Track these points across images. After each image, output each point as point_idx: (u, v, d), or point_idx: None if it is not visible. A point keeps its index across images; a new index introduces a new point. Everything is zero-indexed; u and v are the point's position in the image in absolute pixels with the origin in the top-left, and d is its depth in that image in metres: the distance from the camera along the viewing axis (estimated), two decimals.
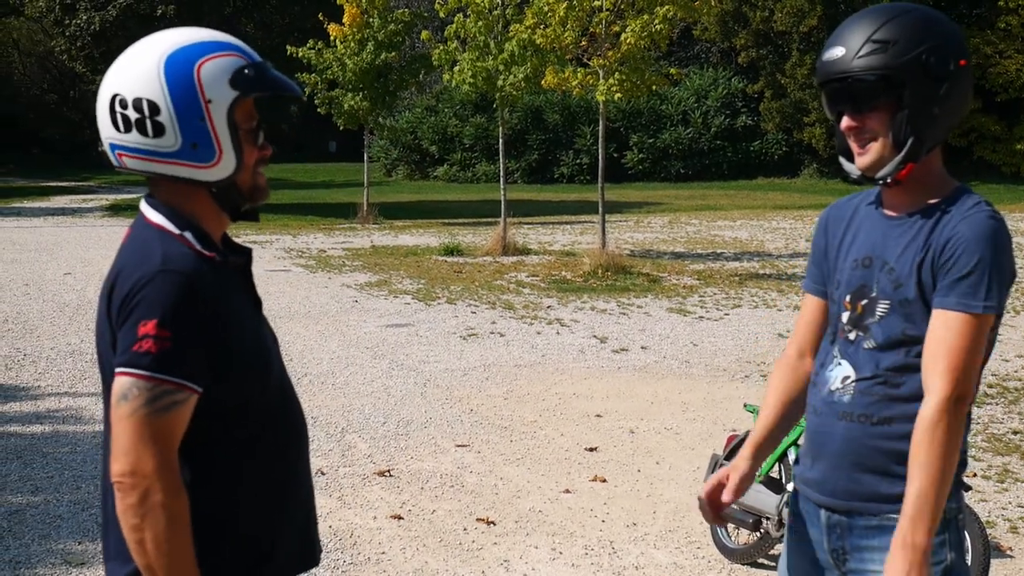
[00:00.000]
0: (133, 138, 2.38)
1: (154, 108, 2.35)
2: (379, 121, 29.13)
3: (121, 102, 2.37)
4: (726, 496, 2.89)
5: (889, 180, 2.67)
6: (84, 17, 32.69)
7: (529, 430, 8.28)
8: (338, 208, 31.01)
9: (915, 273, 2.61)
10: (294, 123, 58.44)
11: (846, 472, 2.70)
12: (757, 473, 5.74)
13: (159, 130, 2.36)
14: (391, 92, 28.13)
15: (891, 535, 2.64)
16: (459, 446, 7.84)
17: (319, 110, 28.22)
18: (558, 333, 12.30)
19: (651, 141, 46.58)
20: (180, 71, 2.36)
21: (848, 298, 2.75)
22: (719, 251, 21.18)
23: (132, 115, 2.36)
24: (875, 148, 2.66)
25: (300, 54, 27.28)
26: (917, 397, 2.62)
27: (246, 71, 2.40)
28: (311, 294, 15.24)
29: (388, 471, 7.23)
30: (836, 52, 2.66)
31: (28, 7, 41.37)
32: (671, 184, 45.15)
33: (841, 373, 2.73)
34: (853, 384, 2.70)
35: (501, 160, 22.46)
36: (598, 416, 8.66)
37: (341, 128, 28.98)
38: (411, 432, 8.19)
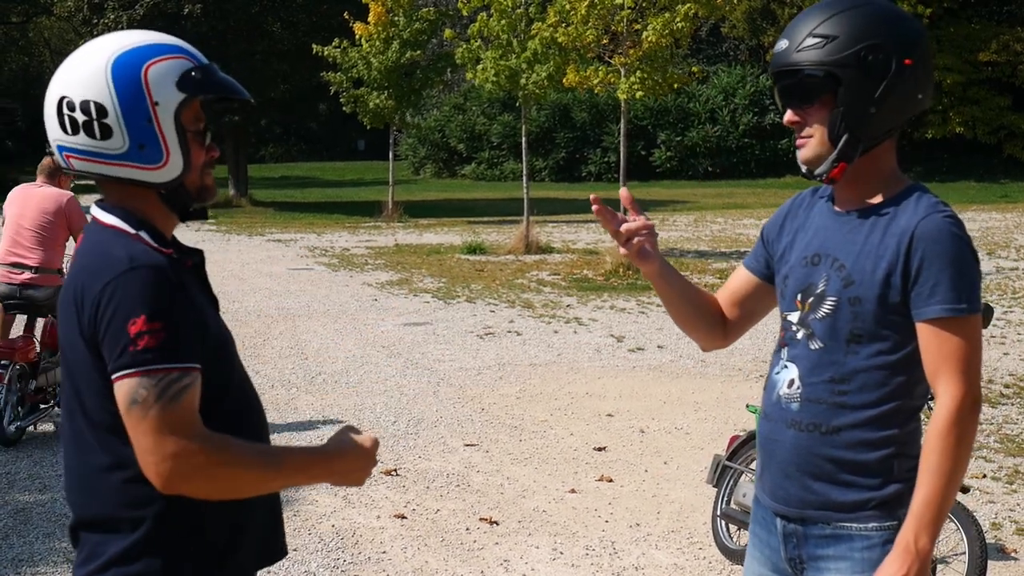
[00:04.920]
0: (81, 140, 2.38)
1: (101, 110, 2.35)
2: (405, 119, 29.22)
3: (68, 104, 2.37)
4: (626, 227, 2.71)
5: (824, 178, 2.63)
6: (112, 16, 32.87)
7: (539, 429, 8.27)
8: (364, 206, 31.09)
9: (876, 274, 2.56)
10: (322, 122, 58.60)
11: (797, 480, 2.67)
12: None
13: (106, 132, 2.36)
14: (416, 90, 28.24)
15: (845, 543, 2.62)
16: (468, 445, 7.84)
17: (344, 109, 28.32)
18: (575, 332, 12.29)
19: (679, 139, 46.52)
20: (127, 74, 2.35)
21: (799, 297, 2.69)
22: (743, 250, 21.08)
23: (79, 117, 2.36)
24: (812, 144, 2.63)
25: (326, 53, 27.43)
26: (866, 404, 2.58)
27: (193, 74, 2.40)
28: (331, 292, 15.29)
29: (395, 470, 7.23)
30: (781, 44, 2.63)
31: (57, 6, 41.67)
32: (698, 182, 45.04)
33: (787, 376, 2.69)
34: (799, 390, 2.66)
35: (524, 158, 22.45)
36: (609, 415, 8.64)
37: (367, 127, 29.10)
38: (421, 431, 8.19)
